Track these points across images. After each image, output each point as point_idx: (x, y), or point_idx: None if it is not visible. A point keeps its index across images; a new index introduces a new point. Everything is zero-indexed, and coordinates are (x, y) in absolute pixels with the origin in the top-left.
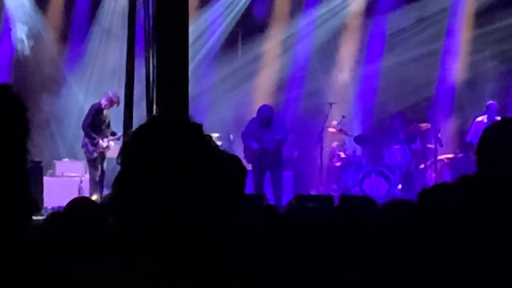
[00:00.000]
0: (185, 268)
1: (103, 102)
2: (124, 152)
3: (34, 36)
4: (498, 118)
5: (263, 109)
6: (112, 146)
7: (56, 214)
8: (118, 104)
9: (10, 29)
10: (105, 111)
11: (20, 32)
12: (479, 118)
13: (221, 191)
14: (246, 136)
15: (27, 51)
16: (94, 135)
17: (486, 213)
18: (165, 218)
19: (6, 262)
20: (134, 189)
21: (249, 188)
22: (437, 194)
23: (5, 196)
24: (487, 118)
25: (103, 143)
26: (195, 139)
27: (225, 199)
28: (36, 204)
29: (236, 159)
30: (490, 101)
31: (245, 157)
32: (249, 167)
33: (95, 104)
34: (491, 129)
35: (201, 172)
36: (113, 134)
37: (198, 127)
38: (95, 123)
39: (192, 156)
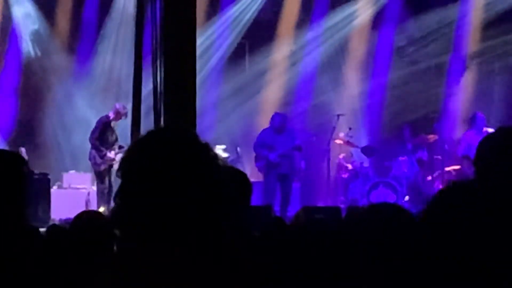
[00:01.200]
0: (188, 275)
1: (111, 114)
2: (122, 165)
3: (41, 47)
4: (488, 129)
5: (276, 117)
6: (119, 159)
7: (57, 227)
8: (126, 116)
9: (17, 40)
10: (112, 124)
11: (27, 42)
12: (468, 131)
13: (220, 201)
14: (259, 146)
15: (34, 62)
16: (102, 148)
17: (485, 219)
18: (166, 226)
19: (13, 274)
20: (134, 201)
21: (260, 198)
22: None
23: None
24: (476, 129)
25: (111, 155)
26: (191, 149)
27: (225, 209)
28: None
29: (241, 173)
30: (477, 112)
31: (257, 166)
32: (260, 178)
33: (102, 117)
34: (489, 138)
35: (198, 181)
36: (121, 147)
37: (194, 137)
38: (102, 137)
39: (188, 165)
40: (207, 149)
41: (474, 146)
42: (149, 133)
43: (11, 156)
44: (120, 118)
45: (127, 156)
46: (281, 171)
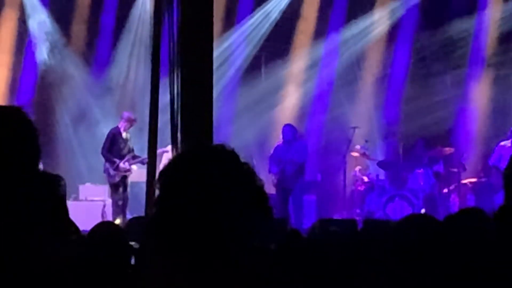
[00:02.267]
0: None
1: (121, 124)
2: (161, 179)
3: (57, 58)
4: None
5: (285, 129)
6: (134, 170)
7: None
8: (134, 123)
9: (33, 52)
10: (124, 134)
11: (43, 54)
12: (503, 143)
13: (255, 217)
14: (270, 160)
15: (49, 74)
16: (115, 159)
17: None
18: (203, 242)
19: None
20: (171, 214)
21: (275, 211)
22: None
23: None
24: (511, 142)
25: (124, 166)
26: (234, 167)
27: (256, 224)
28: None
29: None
30: None
31: (271, 180)
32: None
33: (112, 129)
34: None
35: (239, 198)
36: (135, 157)
37: (236, 155)
38: (113, 147)
39: (230, 183)
40: (247, 167)
41: (505, 157)
42: (193, 148)
43: (52, 178)
44: (131, 126)
45: (167, 170)
46: (286, 186)
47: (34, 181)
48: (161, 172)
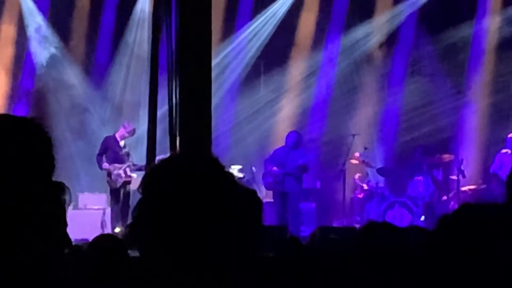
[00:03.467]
0: None
1: (119, 132)
2: (143, 184)
3: (55, 65)
4: None
5: (291, 135)
6: (134, 178)
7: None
8: (133, 133)
9: (31, 58)
10: (121, 142)
11: (41, 63)
12: (504, 150)
13: (238, 224)
14: (269, 162)
15: (47, 82)
16: (108, 166)
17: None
18: (181, 250)
19: None
20: (151, 221)
21: (273, 218)
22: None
23: (33, 229)
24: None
25: (120, 172)
26: (213, 174)
27: (242, 231)
28: (69, 239)
29: (252, 191)
30: (510, 134)
31: (264, 184)
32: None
33: (107, 136)
34: None
35: (219, 206)
36: (134, 165)
37: (217, 162)
38: (110, 154)
39: (211, 190)
40: (228, 176)
41: (506, 165)
42: (170, 157)
43: (56, 184)
44: (128, 136)
45: (148, 176)
46: (283, 190)
47: (46, 193)
48: (142, 180)
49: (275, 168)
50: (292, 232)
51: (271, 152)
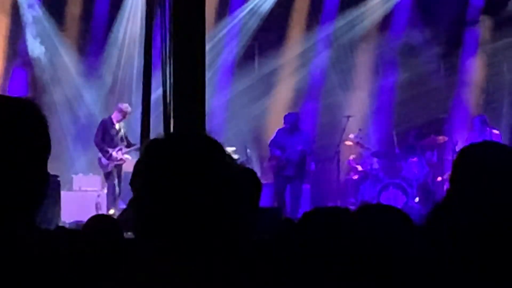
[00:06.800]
0: (202, 280)
1: (114, 115)
2: (137, 169)
3: (50, 49)
4: (492, 130)
5: (288, 117)
6: (129, 160)
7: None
8: (128, 115)
9: (26, 44)
10: (117, 125)
11: (36, 46)
12: (495, 131)
13: (235, 205)
14: (272, 144)
15: (42, 65)
16: (107, 149)
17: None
18: (179, 232)
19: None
20: (148, 205)
21: (270, 200)
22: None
23: (21, 210)
24: (477, 132)
25: (117, 155)
26: (209, 153)
27: (239, 212)
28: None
29: (251, 172)
30: (475, 116)
31: (269, 166)
32: (269, 179)
33: (104, 118)
34: (467, 151)
35: (215, 186)
36: (130, 145)
37: (213, 141)
38: (106, 137)
39: (207, 170)
40: (220, 150)
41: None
42: (163, 136)
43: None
44: (124, 118)
45: (141, 159)
46: (288, 174)
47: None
48: (135, 165)
49: (277, 151)
50: (290, 215)
51: (266, 134)
